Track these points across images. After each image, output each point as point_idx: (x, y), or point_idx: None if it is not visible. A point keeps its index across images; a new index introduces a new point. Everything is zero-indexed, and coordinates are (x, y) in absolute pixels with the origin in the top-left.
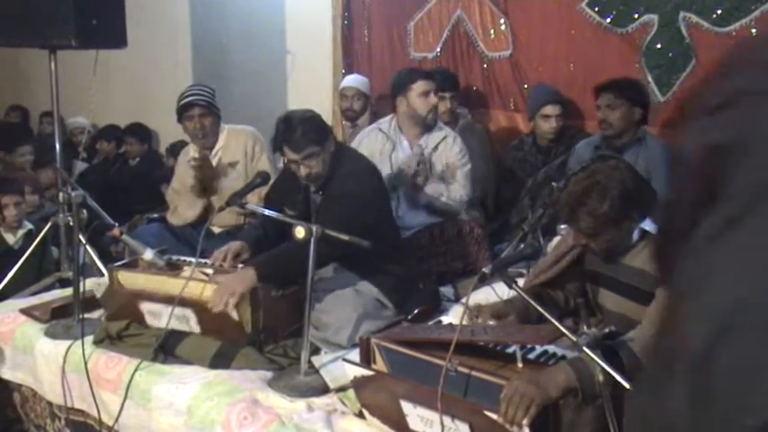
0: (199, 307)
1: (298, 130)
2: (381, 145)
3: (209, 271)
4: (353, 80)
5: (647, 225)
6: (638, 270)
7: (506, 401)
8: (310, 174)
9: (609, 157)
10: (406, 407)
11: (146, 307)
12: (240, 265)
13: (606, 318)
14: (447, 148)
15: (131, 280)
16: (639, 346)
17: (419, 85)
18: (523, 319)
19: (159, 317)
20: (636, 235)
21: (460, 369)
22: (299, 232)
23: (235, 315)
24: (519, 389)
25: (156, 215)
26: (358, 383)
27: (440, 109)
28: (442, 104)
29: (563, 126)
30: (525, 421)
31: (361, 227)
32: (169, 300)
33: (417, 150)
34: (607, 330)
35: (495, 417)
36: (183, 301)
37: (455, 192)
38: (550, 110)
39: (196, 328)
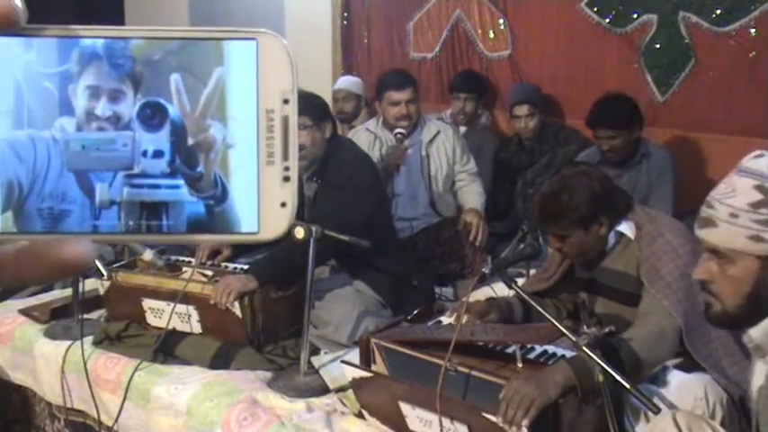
0: (202, 303)
1: None
2: (367, 142)
3: (209, 272)
4: (343, 82)
5: (624, 228)
6: (619, 272)
7: (506, 402)
8: (300, 146)
9: (579, 163)
10: (405, 408)
11: (148, 304)
12: (229, 265)
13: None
14: (443, 143)
15: (131, 280)
16: (638, 344)
17: (389, 95)
18: (505, 318)
19: (161, 314)
20: (612, 238)
21: (460, 369)
22: (299, 233)
23: (238, 311)
24: (518, 390)
25: None
26: (357, 385)
27: (454, 109)
28: (457, 104)
29: (542, 124)
30: (525, 422)
31: (360, 216)
32: (172, 296)
33: (398, 137)
34: (607, 330)
35: (493, 419)
36: (185, 298)
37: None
38: (518, 110)
39: (197, 327)
